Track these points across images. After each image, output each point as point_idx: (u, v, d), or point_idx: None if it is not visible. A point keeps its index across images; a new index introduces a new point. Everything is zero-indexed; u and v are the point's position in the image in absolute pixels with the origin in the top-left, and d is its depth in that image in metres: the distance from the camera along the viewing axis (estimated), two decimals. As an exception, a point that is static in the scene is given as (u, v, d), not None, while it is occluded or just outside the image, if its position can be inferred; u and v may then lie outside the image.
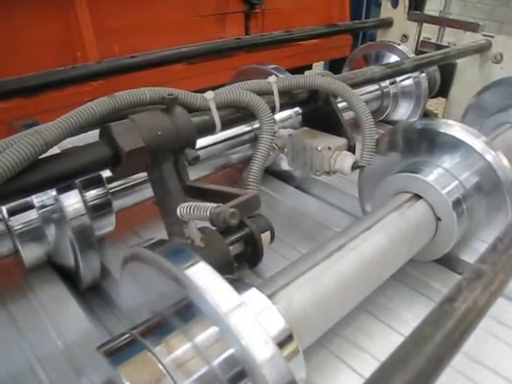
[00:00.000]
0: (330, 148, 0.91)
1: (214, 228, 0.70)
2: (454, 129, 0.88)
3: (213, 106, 0.79)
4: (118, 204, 0.95)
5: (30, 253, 0.83)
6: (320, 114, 0.98)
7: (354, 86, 1.01)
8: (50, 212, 0.81)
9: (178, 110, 0.73)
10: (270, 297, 0.59)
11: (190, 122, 0.74)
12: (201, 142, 0.80)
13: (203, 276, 0.49)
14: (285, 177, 1.32)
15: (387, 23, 1.94)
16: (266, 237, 0.79)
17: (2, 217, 0.79)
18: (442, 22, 1.87)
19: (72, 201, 0.79)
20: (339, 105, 0.97)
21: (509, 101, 1.34)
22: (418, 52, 1.82)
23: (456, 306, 0.47)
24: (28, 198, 0.80)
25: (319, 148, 0.92)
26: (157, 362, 0.48)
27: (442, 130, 0.89)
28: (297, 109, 1.13)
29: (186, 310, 0.50)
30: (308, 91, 0.95)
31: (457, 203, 0.84)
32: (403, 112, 1.71)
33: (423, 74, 1.64)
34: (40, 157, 0.59)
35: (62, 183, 0.69)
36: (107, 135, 0.66)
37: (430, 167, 0.88)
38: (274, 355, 0.46)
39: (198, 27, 1.58)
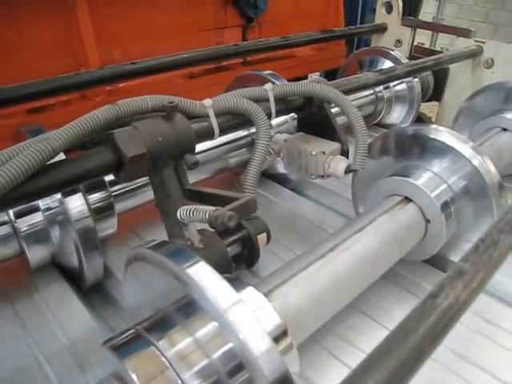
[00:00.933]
0: (324, 152, 0.94)
1: (213, 230, 0.72)
2: (444, 135, 0.91)
3: (211, 113, 0.81)
4: (119, 207, 0.98)
5: (36, 254, 0.86)
6: (314, 120, 1.01)
7: (348, 92, 1.04)
8: (55, 214, 0.84)
9: (178, 117, 0.75)
10: (266, 295, 0.62)
11: (190, 128, 0.76)
12: (200, 147, 0.82)
13: (204, 275, 0.52)
14: (281, 180, 1.34)
15: (381, 28, 1.97)
16: (262, 238, 0.82)
17: (9, 219, 0.82)
18: (435, 27, 1.90)
19: (76, 204, 0.82)
20: (333, 110, 1.00)
21: (499, 105, 1.35)
22: (411, 57, 1.85)
23: (438, 301, 0.50)
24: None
25: (314, 153, 0.95)
26: (160, 355, 0.50)
27: (432, 136, 0.91)
28: (292, 114, 1.15)
29: (188, 307, 0.53)
30: (303, 98, 0.97)
31: (445, 206, 0.87)
32: (397, 116, 1.74)
33: (416, 79, 1.67)
34: (48, 163, 0.62)
35: (69, 187, 0.72)
36: (111, 142, 0.69)
37: (419, 171, 0.91)
38: (270, 349, 0.49)
39: (198, 40, 1.61)
